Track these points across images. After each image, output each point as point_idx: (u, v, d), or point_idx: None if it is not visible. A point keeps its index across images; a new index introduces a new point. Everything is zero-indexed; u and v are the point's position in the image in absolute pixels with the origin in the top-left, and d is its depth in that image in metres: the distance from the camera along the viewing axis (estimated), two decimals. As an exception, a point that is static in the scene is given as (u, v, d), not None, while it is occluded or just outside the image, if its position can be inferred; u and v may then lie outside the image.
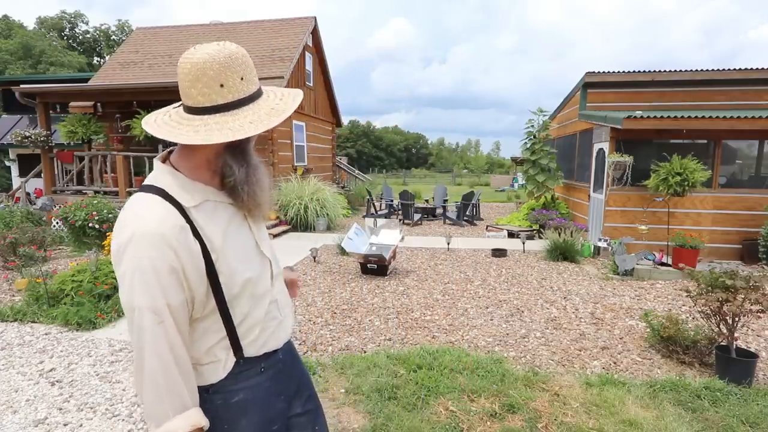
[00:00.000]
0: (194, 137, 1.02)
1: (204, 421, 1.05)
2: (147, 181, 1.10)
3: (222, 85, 1.04)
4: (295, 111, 1.47)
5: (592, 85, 9.16)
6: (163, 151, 1.19)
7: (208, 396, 1.12)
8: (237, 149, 1.12)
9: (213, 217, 1.09)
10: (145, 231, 0.98)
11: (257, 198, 1.15)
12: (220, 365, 1.12)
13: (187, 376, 1.03)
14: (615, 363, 3.64)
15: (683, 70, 8.60)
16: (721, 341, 3.46)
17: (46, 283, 4.77)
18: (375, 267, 6.27)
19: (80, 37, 39.78)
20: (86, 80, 13.02)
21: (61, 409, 2.93)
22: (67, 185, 9.91)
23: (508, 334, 4.24)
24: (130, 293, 0.98)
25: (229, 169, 1.11)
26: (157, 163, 1.13)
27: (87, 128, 9.59)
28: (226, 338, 1.11)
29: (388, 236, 6.70)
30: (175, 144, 1.14)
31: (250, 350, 1.15)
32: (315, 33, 14.22)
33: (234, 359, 1.13)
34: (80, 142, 9.90)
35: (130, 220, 1.01)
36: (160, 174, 1.10)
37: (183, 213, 1.03)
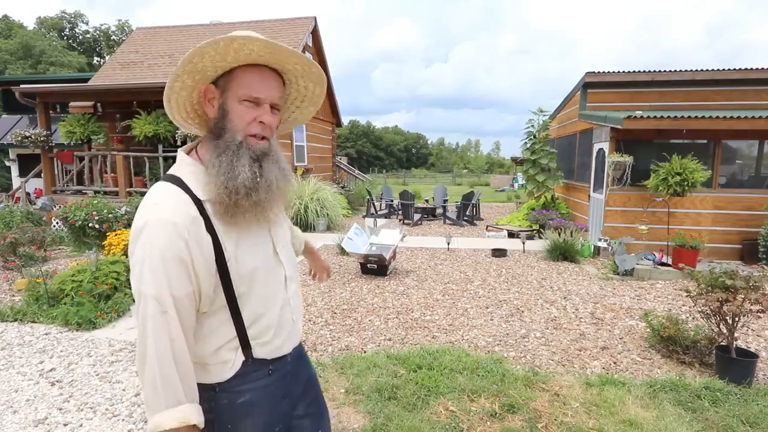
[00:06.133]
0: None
1: (195, 419, 1.02)
2: (170, 171, 1.13)
3: None
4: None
5: (592, 85, 9.16)
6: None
7: (214, 394, 1.11)
8: None
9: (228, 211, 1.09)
10: (158, 219, 1.00)
11: (280, 190, 1.16)
12: (228, 366, 1.11)
13: (185, 370, 1.02)
14: (615, 363, 3.64)
15: (683, 70, 8.60)
16: (721, 341, 3.46)
17: (46, 283, 4.77)
18: (375, 267, 6.27)
19: (80, 37, 39.79)
20: (86, 80, 13.00)
21: (61, 409, 2.93)
22: (67, 185, 9.91)
23: (508, 334, 4.24)
24: (139, 280, 1.00)
25: None
26: (180, 153, 1.16)
27: (85, 128, 9.58)
28: (234, 339, 1.11)
29: (388, 236, 6.70)
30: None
31: (260, 352, 1.15)
32: (315, 33, 14.21)
33: (243, 359, 1.12)
34: (80, 142, 9.90)
35: (147, 207, 1.03)
36: (181, 165, 1.13)
37: (198, 205, 1.05)
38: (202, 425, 1.05)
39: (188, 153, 1.16)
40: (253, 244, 1.13)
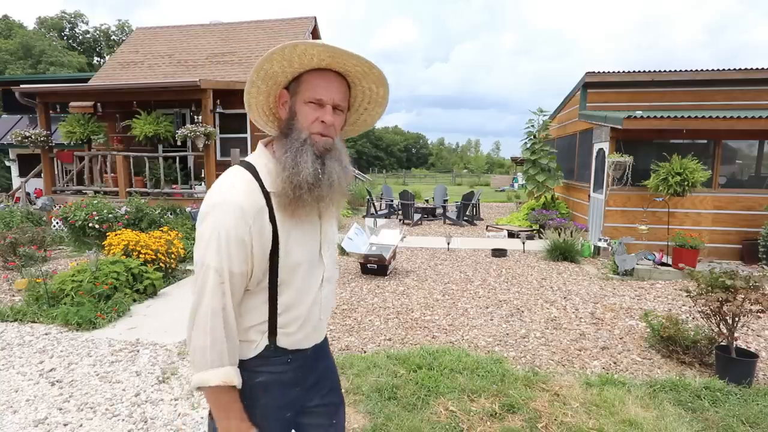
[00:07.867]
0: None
1: (236, 380, 1.14)
2: (247, 158, 1.24)
3: None
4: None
5: (592, 85, 9.17)
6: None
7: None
8: None
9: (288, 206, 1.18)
10: (230, 201, 1.11)
11: (342, 190, 1.25)
12: (252, 346, 1.21)
13: (231, 336, 1.13)
14: (615, 363, 3.64)
15: (683, 70, 8.61)
16: (721, 341, 3.46)
17: (46, 283, 4.77)
18: (375, 267, 6.27)
19: (80, 37, 39.78)
20: (86, 80, 12.98)
21: (61, 409, 2.93)
22: (67, 185, 9.91)
23: (508, 334, 4.24)
24: (204, 251, 1.11)
25: None
26: (259, 144, 1.27)
27: (85, 128, 9.57)
28: (265, 323, 1.20)
29: (388, 236, 6.70)
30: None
31: (283, 341, 1.23)
32: (315, 33, 14.20)
33: (266, 343, 1.21)
34: (80, 142, 9.89)
35: (224, 187, 1.14)
36: (257, 155, 1.24)
37: (266, 195, 1.15)
38: (239, 387, 1.17)
39: (266, 145, 1.25)
40: (304, 239, 1.22)
